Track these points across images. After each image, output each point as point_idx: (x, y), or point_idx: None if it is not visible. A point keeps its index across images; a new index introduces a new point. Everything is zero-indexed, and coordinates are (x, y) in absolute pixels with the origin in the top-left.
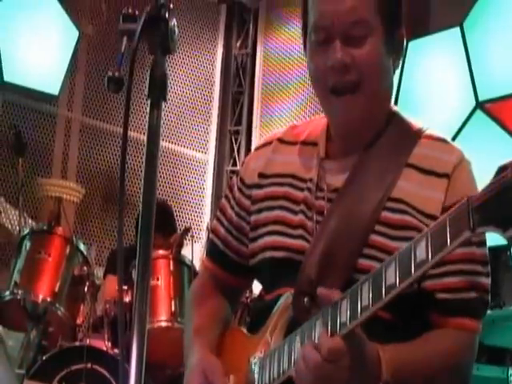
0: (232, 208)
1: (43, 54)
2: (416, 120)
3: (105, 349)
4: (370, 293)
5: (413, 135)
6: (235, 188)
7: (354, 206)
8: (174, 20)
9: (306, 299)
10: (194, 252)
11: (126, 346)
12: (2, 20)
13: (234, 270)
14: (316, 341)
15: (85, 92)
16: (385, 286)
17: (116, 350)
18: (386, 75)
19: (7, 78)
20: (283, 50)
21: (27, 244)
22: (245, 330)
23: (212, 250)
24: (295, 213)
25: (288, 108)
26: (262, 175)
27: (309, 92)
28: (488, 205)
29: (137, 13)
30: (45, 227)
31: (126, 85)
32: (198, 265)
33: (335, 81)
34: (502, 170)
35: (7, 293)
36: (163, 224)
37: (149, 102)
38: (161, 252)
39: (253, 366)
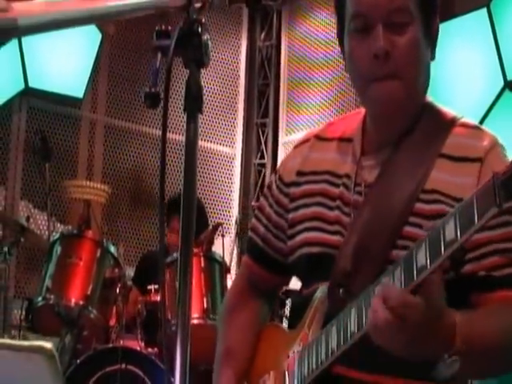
0: (271, 206)
1: (66, 58)
2: (449, 109)
3: (138, 349)
4: (402, 277)
5: (446, 125)
6: (273, 186)
7: (386, 199)
8: (207, 34)
9: (341, 291)
10: (224, 247)
11: (161, 344)
12: None
13: (273, 268)
14: (351, 329)
15: (108, 93)
16: (416, 269)
17: (150, 350)
18: (425, 65)
19: (32, 84)
20: (308, 39)
21: (58, 249)
22: (283, 326)
23: (252, 248)
24: (331, 209)
25: (314, 98)
26: (299, 173)
27: (335, 81)
28: None
29: (170, 28)
30: (75, 231)
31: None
32: (228, 259)
33: (376, 68)
34: None
35: (40, 298)
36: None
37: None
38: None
39: (291, 359)
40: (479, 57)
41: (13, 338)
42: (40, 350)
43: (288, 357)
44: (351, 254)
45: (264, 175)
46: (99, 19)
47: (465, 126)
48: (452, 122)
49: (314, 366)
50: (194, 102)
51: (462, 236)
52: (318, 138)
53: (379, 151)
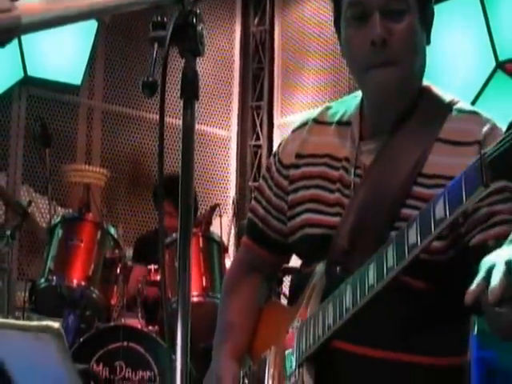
0: (270, 188)
1: (64, 47)
2: (446, 93)
3: (139, 327)
4: (394, 254)
5: (443, 110)
6: (273, 168)
7: (383, 180)
8: (202, 24)
9: (338, 268)
10: (222, 226)
11: (161, 322)
12: None
13: (272, 248)
14: (346, 305)
15: (105, 79)
16: (407, 246)
17: (150, 328)
18: (421, 51)
19: (31, 72)
20: (301, 24)
21: (59, 231)
22: (283, 303)
23: (251, 230)
24: (332, 191)
25: (308, 81)
26: (298, 155)
27: (329, 64)
28: (500, 160)
29: (165, 20)
30: (75, 214)
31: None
32: (225, 239)
33: (374, 55)
34: None
35: (42, 280)
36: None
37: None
38: None
39: (291, 335)
40: (471, 38)
41: (17, 319)
42: (48, 330)
43: (287, 332)
44: (348, 232)
45: (260, 156)
46: (98, 14)
47: (462, 111)
48: (449, 107)
49: (312, 341)
50: (190, 90)
51: (451, 215)
52: (316, 121)
53: (377, 135)
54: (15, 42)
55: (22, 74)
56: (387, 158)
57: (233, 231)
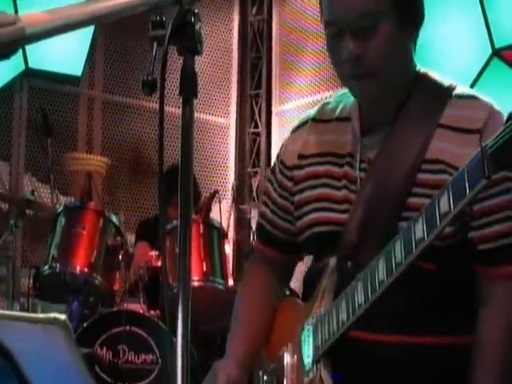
0: (275, 190)
1: (64, 38)
2: (444, 78)
3: (141, 311)
4: (402, 249)
5: (442, 95)
6: (277, 171)
7: (388, 171)
8: (200, 23)
9: (349, 263)
10: (221, 212)
11: (163, 307)
12: (24, 10)
13: (283, 248)
14: (359, 301)
15: (105, 69)
16: (415, 241)
17: (152, 312)
18: (402, 53)
19: (32, 64)
20: (298, 13)
21: (62, 220)
22: (297, 299)
23: (261, 233)
24: (339, 188)
25: (305, 70)
26: (301, 156)
27: (325, 54)
28: (501, 151)
29: (164, 19)
30: (78, 203)
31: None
32: (225, 224)
33: (352, 69)
34: None
35: (46, 267)
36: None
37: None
38: None
39: (306, 331)
40: (467, 25)
41: (22, 305)
42: (55, 321)
43: (303, 329)
44: (357, 227)
45: (258, 143)
46: (100, 20)
47: (461, 96)
48: (448, 92)
49: (327, 337)
50: (189, 87)
51: (455, 208)
52: (315, 120)
53: (378, 129)
54: None
55: (23, 66)
56: (390, 150)
57: (232, 216)
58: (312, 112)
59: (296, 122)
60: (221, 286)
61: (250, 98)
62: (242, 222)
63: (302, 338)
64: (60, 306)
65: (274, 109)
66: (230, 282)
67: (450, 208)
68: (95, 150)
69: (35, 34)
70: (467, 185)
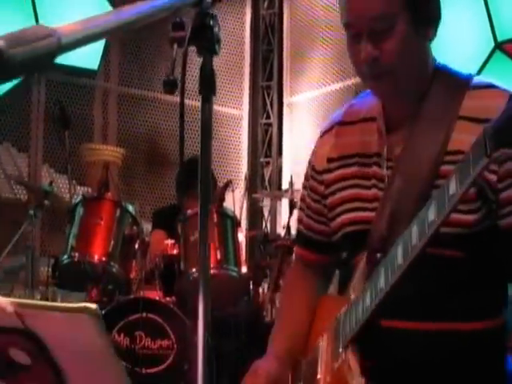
0: (309, 195)
1: None
2: (461, 70)
3: (157, 298)
4: (417, 232)
5: (460, 87)
6: (309, 176)
7: (412, 166)
8: (218, 26)
9: (378, 255)
10: (234, 201)
11: (179, 294)
12: (41, 4)
13: (321, 250)
14: (380, 286)
15: (120, 62)
16: (427, 224)
17: (168, 299)
18: (418, 52)
19: None
20: (309, 7)
21: (80, 210)
22: (335, 294)
23: (299, 238)
24: (368, 188)
25: (315, 62)
26: (330, 160)
27: (336, 46)
28: (501, 130)
29: (184, 20)
30: (95, 194)
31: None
32: (238, 213)
33: (370, 69)
34: None
35: (65, 256)
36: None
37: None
38: None
39: (338, 321)
40: (470, 18)
41: (41, 293)
42: (85, 310)
43: (336, 319)
44: (386, 220)
45: (270, 134)
46: (126, 27)
47: (479, 86)
48: (466, 83)
49: (354, 324)
50: (208, 86)
51: (461, 188)
52: (341, 123)
53: (402, 126)
54: None
55: None
56: (414, 145)
57: (245, 205)
58: (338, 115)
59: (322, 127)
60: (235, 274)
61: (261, 89)
62: (254, 211)
63: (335, 328)
64: (79, 295)
65: (285, 100)
66: (244, 270)
67: (456, 190)
68: (111, 142)
69: (70, 44)
70: (471, 165)
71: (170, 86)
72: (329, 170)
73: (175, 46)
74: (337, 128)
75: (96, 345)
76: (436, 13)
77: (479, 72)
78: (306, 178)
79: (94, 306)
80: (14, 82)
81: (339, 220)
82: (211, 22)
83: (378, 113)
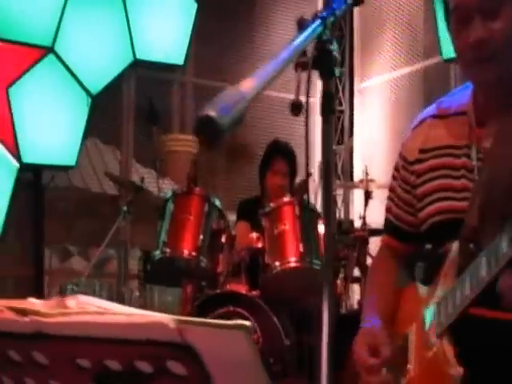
0: (399, 186)
1: (167, 30)
2: None
3: (244, 292)
4: None
5: None
6: (399, 167)
7: (502, 159)
8: (337, 51)
9: (471, 245)
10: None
11: (263, 287)
12: (132, 5)
13: (407, 240)
14: (483, 275)
15: (196, 55)
16: None
17: (253, 292)
18: None
19: (139, 55)
20: None
21: (171, 206)
22: (419, 284)
23: (388, 226)
24: (458, 178)
25: (385, 48)
26: (422, 151)
27: (405, 30)
28: None
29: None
30: (184, 189)
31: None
32: (313, 201)
33: (476, 53)
34: None
35: (157, 252)
36: (293, 165)
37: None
38: (286, 199)
39: (430, 311)
40: None
41: (131, 288)
42: (241, 327)
43: (427, 309)
44: (477, 212)
45: (342, 121)
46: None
47: None
48: None
49: (451, 311)
50: (328, 108)
51: None
52: (435, 116)
53: (492, 119)
54: (125, 29)
55: (131, 58)
56: (504, 138)
57: (320, 194)
58: (430, 110)
59: (414, 121)
60: (317, 266)
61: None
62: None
63: (426, 317)
64: (174, 290)
65: (356, 86)
66: None
67: None
68: (190, 133)
69: (252, 99)
70: None
71: (297, 109)
72: (420, 161)
73: (299, 70)
74: (430, 120)
75: (247, 360)
76: None
77: None
78: (397, 168)
79: (248, 323)
80: (109, 80)
81: (428, 209)
82: (331, 47)
83: (469, 107)
